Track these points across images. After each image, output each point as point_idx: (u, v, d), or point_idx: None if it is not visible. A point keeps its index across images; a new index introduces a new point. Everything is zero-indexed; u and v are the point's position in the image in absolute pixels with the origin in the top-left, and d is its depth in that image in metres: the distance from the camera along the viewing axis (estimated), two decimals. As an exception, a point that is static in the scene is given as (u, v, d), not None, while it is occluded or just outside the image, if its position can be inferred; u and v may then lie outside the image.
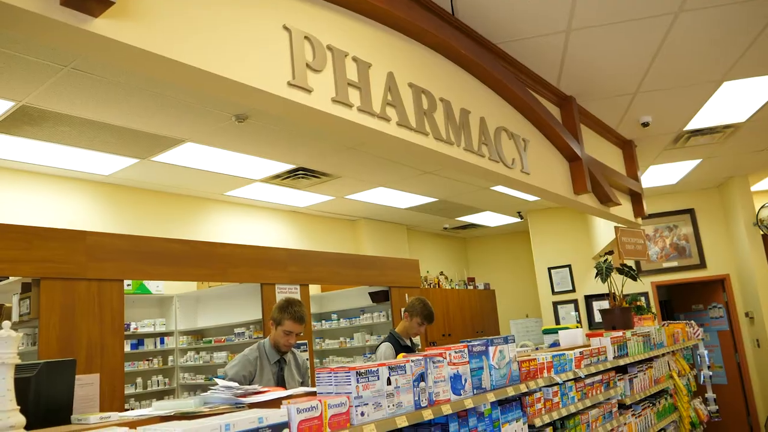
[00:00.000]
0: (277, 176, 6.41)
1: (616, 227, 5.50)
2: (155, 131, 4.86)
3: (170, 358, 6.51)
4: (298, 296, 5.65)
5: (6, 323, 1.39)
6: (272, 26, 2.30)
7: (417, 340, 5.47)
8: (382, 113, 2.73)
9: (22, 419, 1.36)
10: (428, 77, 3.14)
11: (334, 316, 7.67)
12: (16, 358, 1.39)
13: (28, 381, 1.60)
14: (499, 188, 7.70)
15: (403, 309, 4.32)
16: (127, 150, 5.27)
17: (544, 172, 4.11)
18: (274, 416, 1.45)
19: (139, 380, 6.03)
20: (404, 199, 8.07)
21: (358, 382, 1.73)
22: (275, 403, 1.72)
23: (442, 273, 10.03)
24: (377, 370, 1.82)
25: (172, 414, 1.61)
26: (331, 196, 7.55)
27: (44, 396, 1.64)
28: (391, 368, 1.88)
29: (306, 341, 5.67)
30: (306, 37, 2.42)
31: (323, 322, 7.74)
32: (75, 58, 3.60)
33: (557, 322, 8.97)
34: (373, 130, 2.69)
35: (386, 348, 4.09)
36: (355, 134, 2.78)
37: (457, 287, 9.93)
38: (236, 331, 6.27)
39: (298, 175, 6.43)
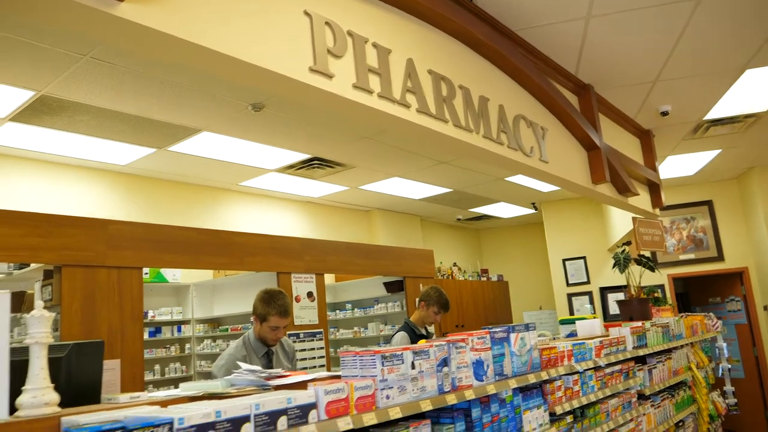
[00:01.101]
0: (292, 166, 6.43)
1: (633, 218, 5.45)
2: (172, 121, 4.88)
3: (187, 345, 6.57)
4: (313, 285, 5.67)
5: (39, 303, 1.41)
6: (293, 12, 2.30)
7: (431, 329, 5.47)
8: (402, 100, 2.72)
9: (56, 396, 1.38)
10: (447, 64, 3.12)
11: (349, 306, 7.70)
12: (50, 337, 1.40)
13: (59, 361, 1.63)
14: (514, 179, 7.66)
15: (417, 299, 4.32)
16: (143, 140, 5.30)
17: (563, 161, 4.08)
18: (302, 397, 1.46)
19: (157, 367, 6.10)
20: (418, 190, 8.05)
21: (383, 365, 1.74)
22: (301, 386, 1.73)
23: (455, 264, 10.01)
24: (402, 354, 1.82)
25: (200, 395, 1.62)
26: (346, 187, 7.55)
27: (75, 376, 1.66)
28: (415, 353, 1.88)
29: (321, 330, 5.70)
30: (327, 23, 2.41)
31: (338, 311, 7.76)
32: (94, 47, 3.61)
33: (571, 313, 8.93)
34: (393, 116, 2.69)
35: (401, 337, 4.08)
36: (376, 121, 2.77)
37: (470, 278, 9.92)
38: (252, 319, 6.30)
39: (313, 165, 6.43)
